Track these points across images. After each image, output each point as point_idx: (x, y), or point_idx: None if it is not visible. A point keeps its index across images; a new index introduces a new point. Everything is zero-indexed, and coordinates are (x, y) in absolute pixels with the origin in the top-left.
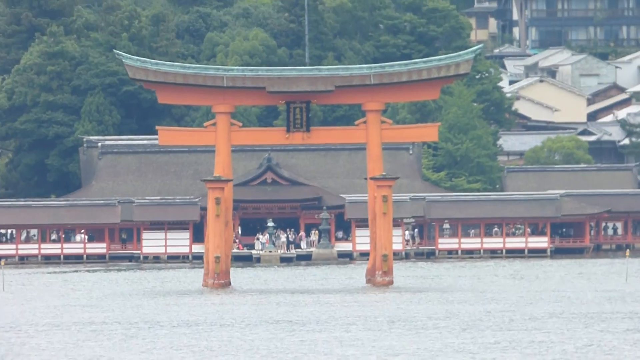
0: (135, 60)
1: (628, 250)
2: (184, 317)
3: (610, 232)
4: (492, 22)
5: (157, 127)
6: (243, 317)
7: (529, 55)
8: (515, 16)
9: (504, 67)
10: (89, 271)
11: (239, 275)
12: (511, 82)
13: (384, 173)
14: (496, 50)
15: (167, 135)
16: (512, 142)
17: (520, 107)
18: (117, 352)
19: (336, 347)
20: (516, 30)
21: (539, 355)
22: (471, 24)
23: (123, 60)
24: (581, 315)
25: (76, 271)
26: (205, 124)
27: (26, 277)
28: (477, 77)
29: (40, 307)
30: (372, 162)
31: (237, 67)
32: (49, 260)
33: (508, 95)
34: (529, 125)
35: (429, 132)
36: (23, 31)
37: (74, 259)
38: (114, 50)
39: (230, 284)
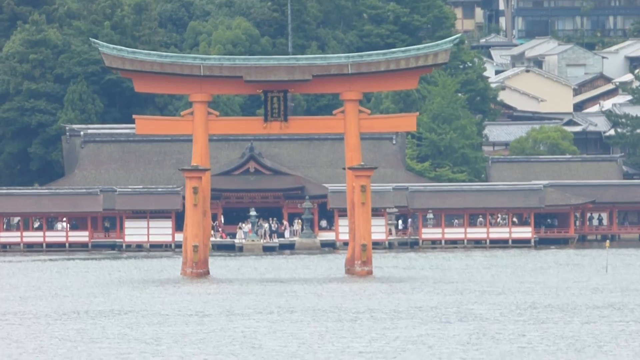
0: (111, 48)
1: (607, 241)
2: (144, 306)
3: (595, 222)
4: (479, 12)
5: (134, 116)
6: (203, 307)
7: (516, 45)
8: (502, 6)
9: (490, 57)
10: (67, 259)
11: (219, 264)
12: (497, 72)
13: (362, 163)
14: (482, 40)
15: (145, 125)
16: (498, 132)
17: (506, 97)
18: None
19: (263, 338)
20: (503, 20)
21: (492, 347)
22: (456, 14)
23: (99, 48)
24: (532, 307)
25: (50, 260)
26: (182, 113)
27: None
28: (461, 67)
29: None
30: (351, 152)
31: (214, 56)
32: (32, 248)
33: (494, 85)
34: (514, 116)
35: (408, 122)
36: (5, 19)
37: (57, 247)
38: (91, 38)
39: (208, 272)
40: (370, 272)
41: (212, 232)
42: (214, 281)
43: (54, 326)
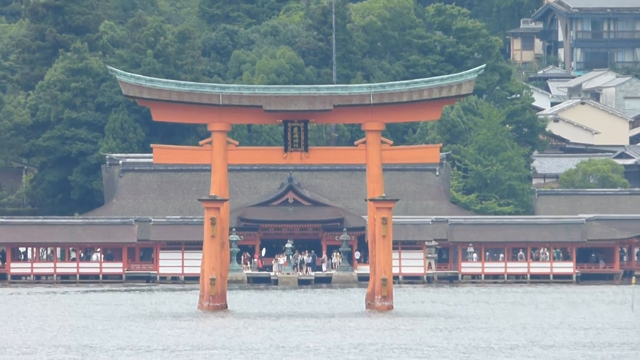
0: (129, 77)
1: (634, 278)
2: (145, 342)
3: None
4: (538, 43)
5: (151, 145)
6: (204, 343)
7: (573, 77)
8: (561, 37)
9: (547, 89)
10: (81, 292)
11: (242, 298)
12: (553, 104)
13: (383, 195)
14: (540, 72)
15: (162, 154)
16: (549, 164)
17: (560, 129)
18: None
19: None
20: (562, 52)
21: None
22: (501, 43)
23: (117, 76)
24: (550, 347)
25: (78, 291)
26: (201, 143)
27: (31, 297)
28: (509, 98)
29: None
30: (372, 183)
31: (234, 85)
32: (67, 279)
33: (549, 117)
34: (567, 148)
35: (431, 154)
36: (47, 47)
37: (91, 279)
38: (108, 66)
39: (226, 306)
40: (390, 307)
41: (248, 264)
42: (225, 315)
43: None
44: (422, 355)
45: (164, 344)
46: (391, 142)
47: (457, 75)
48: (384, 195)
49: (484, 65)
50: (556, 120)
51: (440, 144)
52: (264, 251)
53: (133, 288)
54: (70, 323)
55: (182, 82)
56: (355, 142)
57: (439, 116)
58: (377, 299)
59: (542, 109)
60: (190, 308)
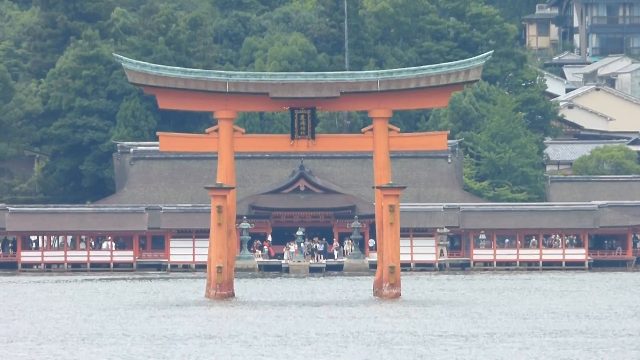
0: (134, 64)
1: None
2: (143, 330)
3: None
4: (553, 29)
5: (158, 133)
6: (204, 331)
7: (589, 63)
8: (576, 23)
9: (562, 75)
10: (89, 280)
11: (250, 286)
12: (568, 90)
13: (391, 182)
14: (556, 58)
15: (168, 141)
16: (563, 151)
17: (575, 115)
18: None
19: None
20: (577, 38)
21: None
22: (516, 30)
23: (122, 64)
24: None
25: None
26: (207, 130)
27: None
28: (523, 85)
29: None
30: (379, 171)
31: (240, 72)
32: (78, 267)
33: (564, 103)
34: (581, 135)
35: (438, 141)
36: (58, 35)
37: (102, 267)
38: (114, 53)
39: (233, 295)
40: (398, 295)
41: (260, 252)
42: (231, 304)
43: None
44: (422, 341)
45: (161, 332)
46: (398, 130)
47: (465, 62)
48: (391, 182)
49: (491, 52)
50: (571, 107)
51: (448, 131)
52: (270, 238)
53: (139, 276)
54: (67, 311)
55: (188, 69)
56: (363, 130)
57: (447, 103)
58: (384, 286)
59: (556, 96)
60: (198, 296)
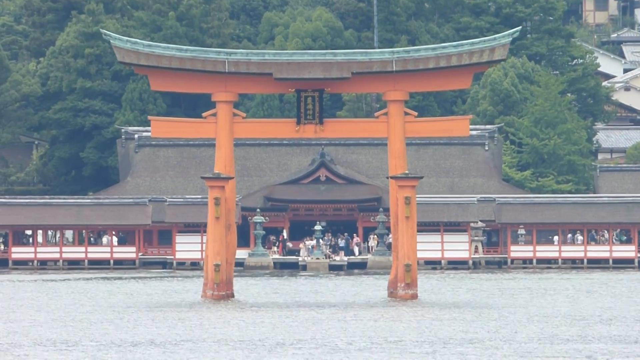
0: (124, 41)
1: None
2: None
3: None
4: (612, 3)
5: (149, 117)
6: (192, 336)
7: None
8: None
9: (621, 53)
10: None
11: (259, 286)
12: (626, 71)
13: (406, 171)
14: (614, 35)
15: (161, 127)
16: (616, 137)
17: (631, 98)
18: None
19: None
20: (638, 12)
21: None
22: (564, 4)
23: (110, 40)
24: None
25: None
26: (204, 114)
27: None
28: (571, 63)
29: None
30: (394, 159)
31: (241, 51)
32: (77, 265)
33: (620, 84)
34: (638, 120)
35: (459, 126)
36: (59, 9)
37: (102, 264)
38: (101, 29)
39: (232, 295)
40: (415, 296)
41: (274, 247)
42: (224, 306)
43: None
44: (404, 350)
45: (146, 337)
46: (416, 114)
47: (490, 39)
48: (407, 172)
49: (519, 28)
50: (627, 89)
51: (471, 116)
52: (285, 233)
53: (139, 275)
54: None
55: (184, 47)
56: (376, 114)
57: (469, 85)
58: (400, 286)
59: (613, 77)
60: (195, 297)
